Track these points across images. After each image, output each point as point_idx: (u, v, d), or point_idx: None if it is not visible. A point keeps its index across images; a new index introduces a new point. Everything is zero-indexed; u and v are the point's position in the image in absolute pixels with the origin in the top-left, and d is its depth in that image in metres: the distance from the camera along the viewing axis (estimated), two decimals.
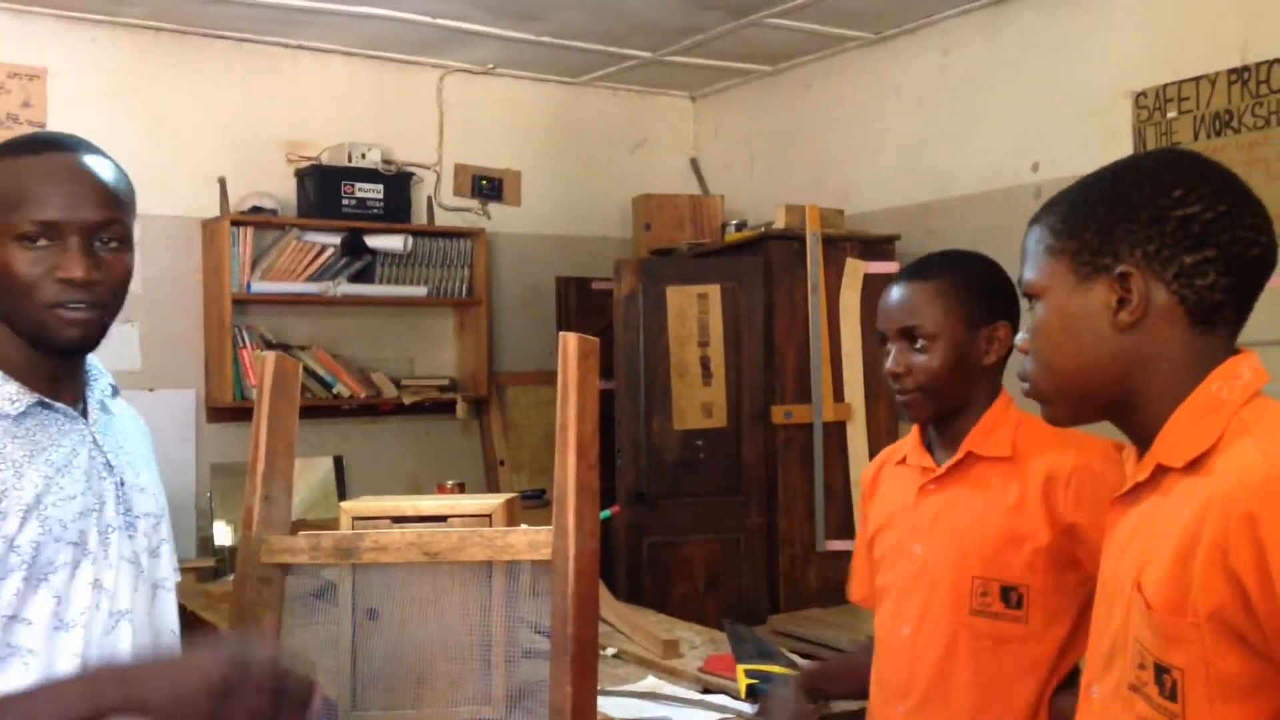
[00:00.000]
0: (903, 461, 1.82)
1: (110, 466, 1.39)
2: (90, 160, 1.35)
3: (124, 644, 1.35)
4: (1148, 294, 1.11)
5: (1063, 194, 1.21)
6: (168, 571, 1.46)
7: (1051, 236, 1.19)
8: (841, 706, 2.17)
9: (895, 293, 1.75)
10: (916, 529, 1.73)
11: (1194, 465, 1.08)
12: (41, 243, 1.30)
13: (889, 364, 1.72)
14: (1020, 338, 1.23)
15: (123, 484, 1.39)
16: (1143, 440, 1.16)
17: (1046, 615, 1.62)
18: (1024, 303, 1.27)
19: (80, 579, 1.31)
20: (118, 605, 1.35)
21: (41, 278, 1.30)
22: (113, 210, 1.34)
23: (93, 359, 1.44)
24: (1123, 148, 3.79)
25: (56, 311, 1.31)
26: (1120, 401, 1.15)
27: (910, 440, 1.82)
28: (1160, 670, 1.05)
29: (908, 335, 1.71)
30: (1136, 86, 3.82)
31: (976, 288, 1.73)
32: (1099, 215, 1.14)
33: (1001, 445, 1.70)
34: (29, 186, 1.30)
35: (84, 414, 1.40)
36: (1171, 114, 3.73)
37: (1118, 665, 1.12)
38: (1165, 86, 3.74)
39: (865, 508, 1.90)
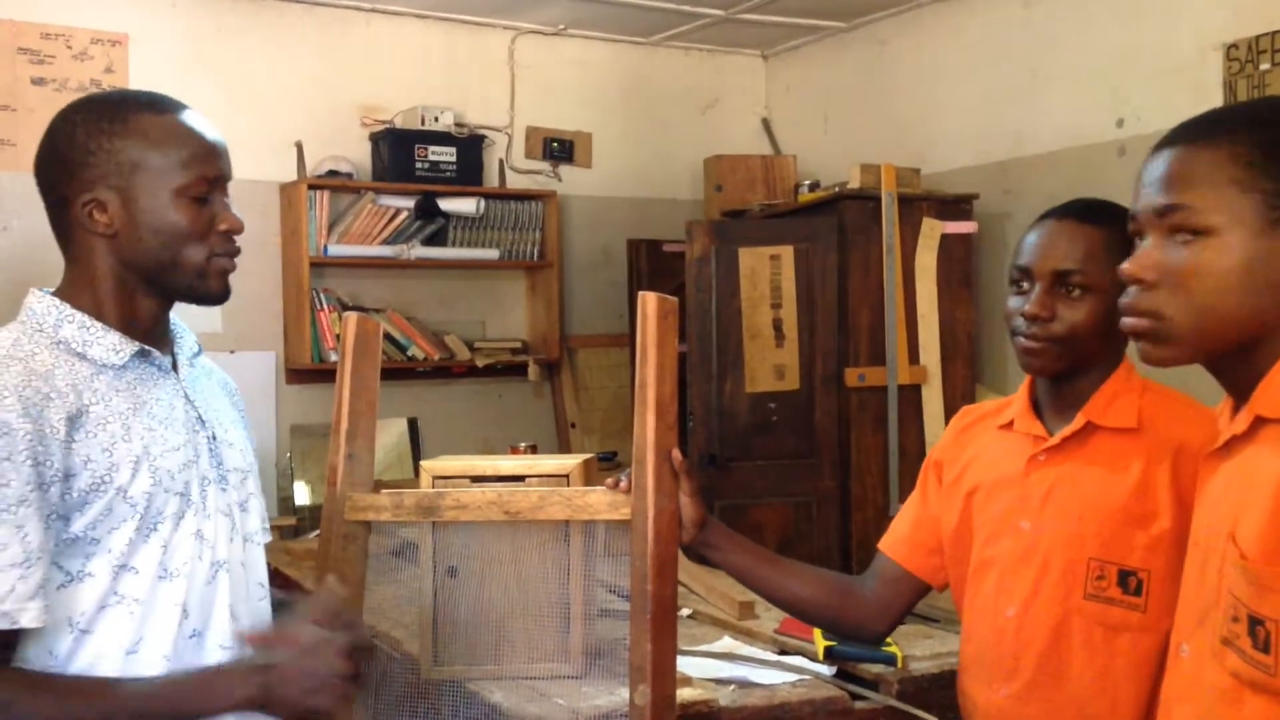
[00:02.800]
0: (1009, 425, 1.66)
1: (202, 420, 1.42)
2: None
3: (223, 593, 1.38)
4: None
5: (1242, 117, 1.10)
6: (256, 526, 1.49)
7: (1242, 170, 1.06)
8: (922, 668, 2.16)
9: (1050, 231, 1.58)
10: (1026, 503, 1.59)
11: None
12: (209, 197, 1.37)
13: (1031, 305, 1.54)
14: (1143, 267, 1.11)
15: (214, 438, 1.42)
16: (1241, 392, 1.11)
17: (1165, 604, 1.45)
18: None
19: (184, 529, 1.34)
20: (217, 555, 1.38)
21: (205, 230, 1.37)
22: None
23: (176, 319, 1.47)
24: (1212, 102, 3.67)
25: (218, 261, 1.39)
26: (1239, 351, 1.09)
27: (1017, 403, 1.67)
28: (1254, 622, 1.02)
29: (1061, 280, 1.54)
30: (1227, 38, 3.69)
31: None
32: None
33: (1126, 416, 1.56)
34: (192, 143, 1.37)
35: (174, 368, 1.43)
36: (1265, 66, 3.60)
37: (1210, 621, 1.09)
38: (1258, 38, 3.61)
39: (944, 458, 1.74)
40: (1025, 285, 1.58)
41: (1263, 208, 1.05)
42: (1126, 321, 1.14)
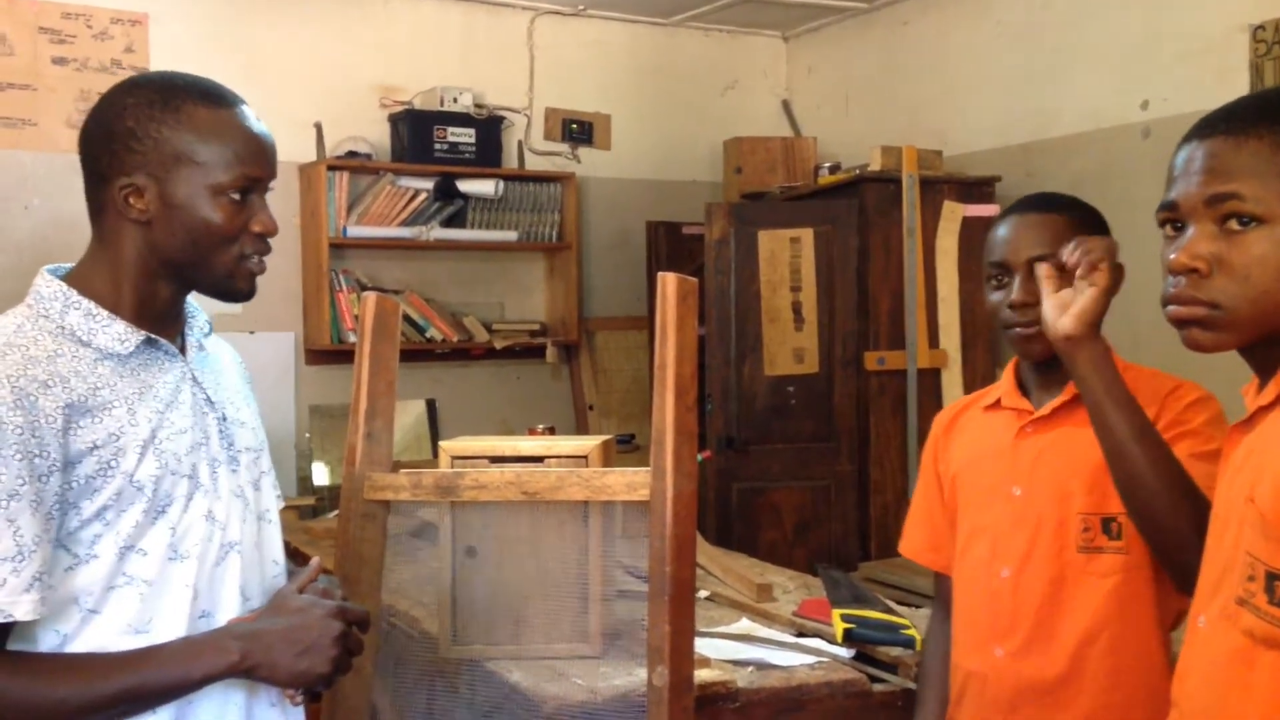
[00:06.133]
0: (995, 405, 1.76)
1: (211, 402, 1.41)
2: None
3: (233, 575, 1.38)
4: None
5: None
6: (270, 503, 1.49)
7: None
8: (897, 652, 2.14)
9: (1015, 225, 1.69)
10: (1015, 471, 1.68)
11: None
12: (248, 197, 1.35)
13: (1017, 294, 1.64)
14: (1195, 257, 1.12)
15: (224, 419, 1.42)
16: (1268, 370, 1.13)
17: (1143, 544, 1.56)
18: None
19: (194, 511, 1.34)
20: (228, 537, 1.38)
21: (239, 231, 1.36)
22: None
23: (190, 297, 1.45)
24: (1238, 84, 3.63)
25: (248, 263, 1.38)
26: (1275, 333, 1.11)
27: (1003, 385, 1.77)
28: (1271, 577, 1.03)
29: (1034, 266, 1.63)
30: (1254, 19, 3.64)
31: (1096, 229, 1.68)
32: None
33: None
34: (239, 141, 1.35)
35: (182, 351, 1.41)
36: None
37: (1226, 586, 1.09)
38: None
39: (936, 456, 1.84)
40: (1004, 279, 1.68)
41: None
42: (1176, 310, 1.14)
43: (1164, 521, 1.41)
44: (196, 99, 1.34)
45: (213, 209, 1.34)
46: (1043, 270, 1.50)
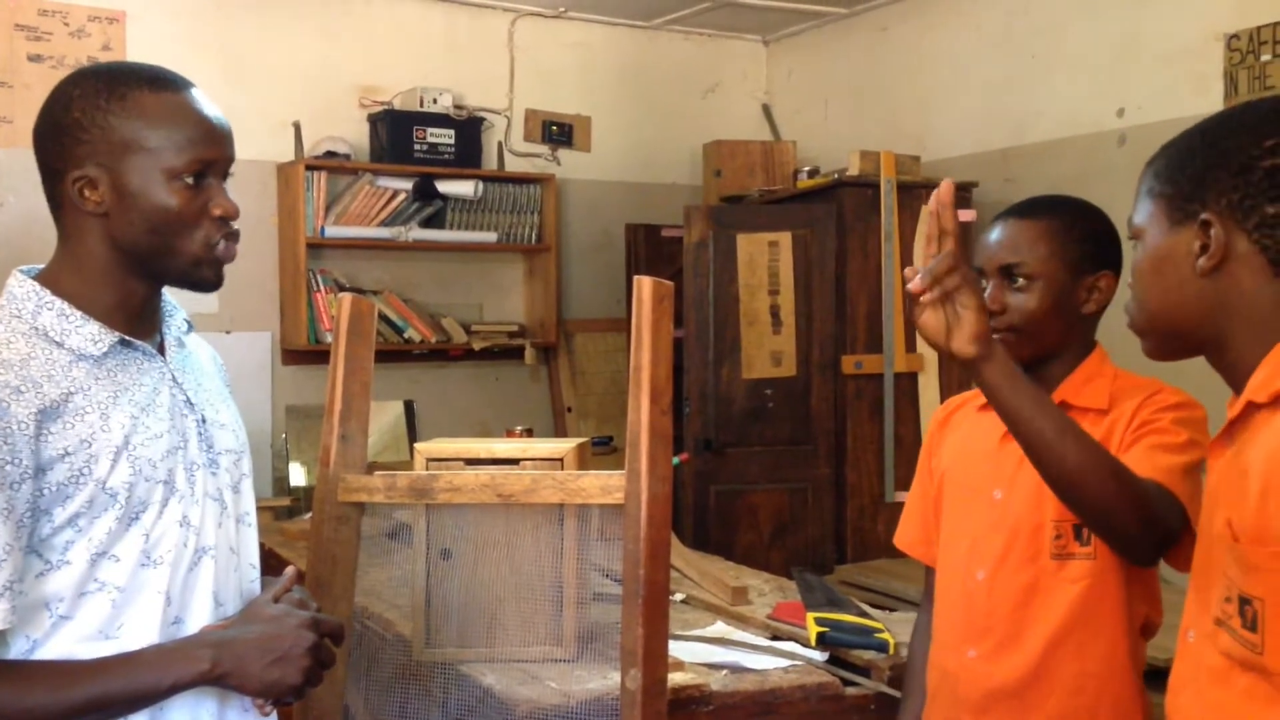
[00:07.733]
0: (987, 405, 1.73)
1: (191, 404, 1.39)
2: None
3: (205, 580, 1.36)
4: (1228, 243, 1.13)
5: (1175, 139, 1.23)
6: (249, 506, 1.47)
7: (1154, 180, 1.22)
8: (870, 656, 2.15)
9: (998, 230, 1.70)
10: (998, 474, 1.69)
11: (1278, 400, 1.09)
12: (204, 180, 1.33)
13: (986, 302, 1.65)
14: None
15: (204, 421, 1.40)
16: (1234, 381, 1.17)
17: (1111, 552, 1.59)
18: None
19: (168, 517, 1.32)
20: (203, 541, 1.36)
21: (199, 215, 1.33)
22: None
23: (167, 295, 1.43)
24: (1213, 92, 3.66)
25: (214, 250, 1.35)
26: (1209, 342, 1.18)
27: None
28: (1243, 601, 1.05)
29: (1007, 273, 1.66)
30: (1229, 28, 3.68)
31: (1085, 234, 1.68)
32: (1196, 162, 1.17)
33: (1098, 397, 1.65)
34: (190, 125, 1.32)
35: (160, 351, 1.39)
36: (1266, 57, 3.59)
37: (1211, 605, 1.12)
38: (1260, 29, 3.59)
39: (931, 452, 1.86)
40: (983, 284, 1.69)
41: (1166, 209, 1.19)
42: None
43: (1102, 505, 1.43)
44: (143, 85, 1.31)
45: (168, 194, 1.31)
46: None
